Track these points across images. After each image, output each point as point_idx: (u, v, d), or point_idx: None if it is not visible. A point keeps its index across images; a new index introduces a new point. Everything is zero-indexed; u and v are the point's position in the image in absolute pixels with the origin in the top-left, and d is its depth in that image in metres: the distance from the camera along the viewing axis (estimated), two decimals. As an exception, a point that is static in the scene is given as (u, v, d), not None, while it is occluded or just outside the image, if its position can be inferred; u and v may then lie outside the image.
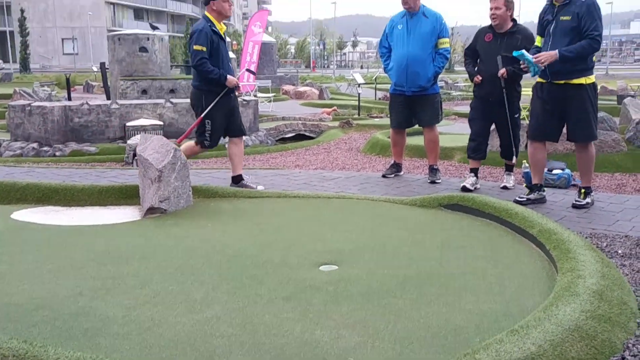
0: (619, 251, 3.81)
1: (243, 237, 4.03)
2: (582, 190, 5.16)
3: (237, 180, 5.79)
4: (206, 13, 5.57)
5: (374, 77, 24.06)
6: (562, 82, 4.87)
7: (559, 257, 3.29)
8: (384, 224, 4.37)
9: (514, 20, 5.64)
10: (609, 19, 66.14)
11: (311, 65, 65.12)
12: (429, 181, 6.19)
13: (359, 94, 15.84)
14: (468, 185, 5.74)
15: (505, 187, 5.90)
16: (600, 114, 7.51)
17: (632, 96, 15.38)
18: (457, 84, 26.31)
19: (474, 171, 5.92)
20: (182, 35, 49.75)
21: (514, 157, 5.91)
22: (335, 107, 14.97)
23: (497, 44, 5.58)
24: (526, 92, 6.06)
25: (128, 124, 9.14)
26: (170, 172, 4.68)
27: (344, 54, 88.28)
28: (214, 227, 4.33)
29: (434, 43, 5.96)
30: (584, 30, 4.72)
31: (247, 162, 7.79)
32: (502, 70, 5.43)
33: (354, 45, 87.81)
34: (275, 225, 4.33)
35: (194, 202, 4.97)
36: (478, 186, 5.88)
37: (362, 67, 68.33)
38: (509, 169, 6.02)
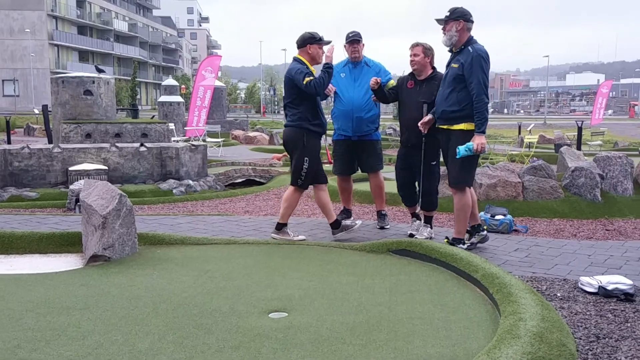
0: (558, 294, 3.95)
1: (190, 285, 3.97)
2: (445, 240, 5.23)
3: (337, 225, 5.61)
4: (298, 55, 5.54)
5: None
6: (445, 127, 5.12)
7: (501, 300, 3.38)
8: (334, 269, 4.40)
9: (433, 67, 5.78)
10: (545, 72, 69.56)
11: (261, 111, 65.49)
12: (378, 227, 6.29)
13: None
14: (413, 232, 5.81)
15: (411, 235, 5.73)
16: (539, 162, 7.84)
17: (568, 145, 16.13)
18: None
19: (415, 216, 6.07)
20: (129, 78, 49.36)
21: (433, 208, 5.88)
22: (285, 153, 15.06)
23: (417, 90, 5.70)
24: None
25: (71, 168, 8.95)
26: (115, 218, 4.59)
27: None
28: (160, 274, 4.25)
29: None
30: (468, 83, 4.94)
31: (194, 208, 7.73)
32: (429, 117, 5.48)
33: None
34: (224, 272, 4.29)
35: (139, 250, 4.88)
36: (422, 229, 5.92)
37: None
38: (427, 220, 5.91)
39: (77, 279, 4.17)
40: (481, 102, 4.91)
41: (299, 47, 5.54)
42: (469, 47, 4.97)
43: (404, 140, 5.89)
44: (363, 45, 6.13)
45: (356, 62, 6.16)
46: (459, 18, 5.00)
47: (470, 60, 4.91)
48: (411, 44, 5.77)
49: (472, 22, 5.06)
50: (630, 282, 3.98)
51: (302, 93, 5.37)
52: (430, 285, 3.97)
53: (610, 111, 60.58)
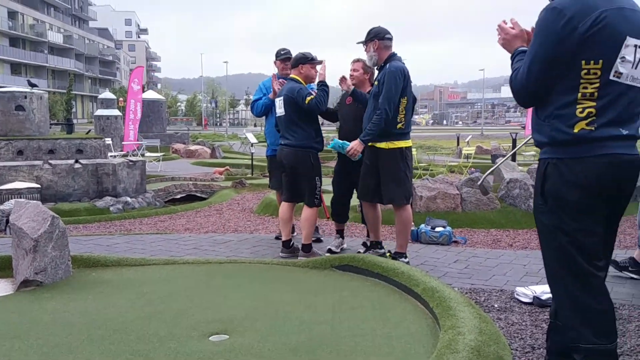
0: (495, 305, 4.04)
1: (127, 309, 3.85)
2: (388, 254, 5.27)
3: (308, 249, 5.52)
4: (293, 75, 5.60)
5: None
6: (370, 144, 5.22)
7: (441, 314, 3.43)
8: (276, 288, 4.36)
9: (372, 84, 5.73)
10: (481, 84, 71.82)
11: (203, 123, 64.79)
12: (313, 239, 6.28)
13: (252, 152, 15.91)
14: (333, 248, 5.85)
15: (330, 251, 5.80)
16: (476, 174, 8.06)
17: (504, 155, 16.66)
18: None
19: (340, 232, 6.05)
20: (64, 91, 47.86)
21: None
22: (227, 167, 14.91)
23: (355, 105, 5.75)
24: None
25: (1, 187, 8.56)
26: (47, 241, 4.41)
27: (237, 112, 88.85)
28: (95, 299, 4.10)
29: None
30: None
31: (132, 227, 7.53)
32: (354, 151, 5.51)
33: (247, 103, 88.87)
34: (163, 295, 4.18)
35: (73, 273, 4.70)
36: (344, 246, 6.02)
37: (255, 125, 68.98)
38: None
39: (7, 306, 3.97)
40: (380, 115, 5.00)
41: (292, 67, 5.67)
42: (387, 65, 5.08)
43: (342, 155, 5.83)
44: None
45: (286, 78, 6.19)
46: (373, 38, 5.13)
47: (384, 77, 5.03)
48: (353, 59, 5.85)
49: (389, 39, 5.16)
50: (563, 291, 4.11)
51: (306, 112, 5.41)
52: (373, 301, 3.98)
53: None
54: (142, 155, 17.65)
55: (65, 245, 4.59)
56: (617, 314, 3.83)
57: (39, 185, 8.72)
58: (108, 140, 15.93)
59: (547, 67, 2.33)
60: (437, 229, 6.38)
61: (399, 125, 5.09)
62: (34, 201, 4.78)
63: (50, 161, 9.21)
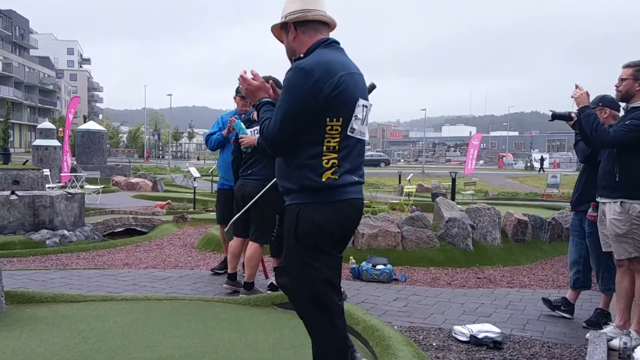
0: (434, 344, 4.14)
1: (62, 348, 3.74)
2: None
3: (250, 287, 5.38)
4: None
5: (211, 170, 24.17)
6: None
7: (380, 353, 3.50)
8: (217, 325, 4.33)
9: None
10: (423, 123, 73.78)
11: (145, 155, 63.68)
12: (243, 274, 6.30)
13: (194, 187, 15.76)
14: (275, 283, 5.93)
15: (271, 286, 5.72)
16: (417, 212, 8.27)
17: (444, 194, 17.11)
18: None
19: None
20: (1, 119, 46.25)
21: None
22: (169, 200, 14.69)
23: None
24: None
25: None
26: (-21, 276, 4.25)
27: (180, 144, 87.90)
28: (28, 336, 3.96)
29: None
30: None
31: (69, 261, 7.32)
32: None
33: (190, 136, 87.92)
34: (99, 332, 4.08)
35: (6, 309, 4.53)
36: None
37: (198, 159, 68.30)
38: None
39: None
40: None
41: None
42: None
43: None
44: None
45: (244, 114, 6.26)
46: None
47: None
48: None
49: None
50: (498, 330, 4.27)
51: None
52: (313, 339, 4.01)
53: (481, 161, 65.08)
54: (82, 187, 17.20)
55: (-2, 280, 4.44)
56: (549, 352, 4.01)
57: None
58: (46, 172, 15.46)
59: (297, 121, 2.59)
60: (378, 267, 6.49)
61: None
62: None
63: (-17, 192, 8.87)
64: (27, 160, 18.96)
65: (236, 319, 4.50)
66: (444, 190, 19.60)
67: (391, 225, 7.84)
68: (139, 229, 10.96)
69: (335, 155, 2.63)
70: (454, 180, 17.54)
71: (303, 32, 2.74)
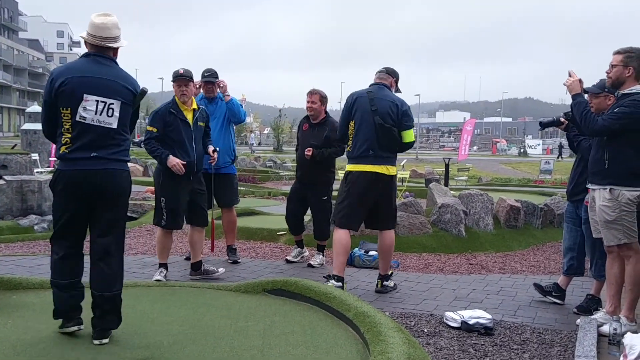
0: (425, 330, 4.13)
1: (49, 334, 3.69)
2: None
3: (196, 267, 5.62)
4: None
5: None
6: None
7: (371, 340, 3.47)
8: (206, 312, 4.29)
9: (326, 112, 6.34)
10: (417, 109, 73.72)
11: (136, 139, 63.28)
12: (230, 261, 6.39)
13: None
14: (290, 258, 6.45)
15: (309, 265, 6.33)
16: (410, 198, 8.25)
17: (437, 180, 17.10)
18: (285, 164, 27.23)
19: (298, 243, 6.55)
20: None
21: (325, 238, 6.42)
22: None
23: (311, 132, 6.27)
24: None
25: None
26: (-35, 262, 4.19)
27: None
28: (15, 323, 3.91)
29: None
30: None
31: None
32: (308, 150, 6.06)
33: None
34: (87, 319, 3.99)
35: (-8, 296, 4.47)
36: (306, 254, 6.53)
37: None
38: (319, 248, 6.47)
39: None
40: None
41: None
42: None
43: (299, 177, 6.43)
44: (218, 83, 6.22)
45: (211, 98, 6.25)
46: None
47: None
48: (309, 91, 6.26)
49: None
50: (489, 316, 4.25)
51: None
52: (305, 326, 3.98)
53: (475, 147, 65.12)
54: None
55: (-16, 267, 4.37)
56: (540, 338, 4.00)
57: None
58: (35, 156, 15.32)
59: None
60: (371, 253, 6.47)
61: (347, 148, 5.34)
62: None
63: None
64: (15, 145, 18.78)
65: (226, 306, 4.46)
66: (438, 176, 19.60)
67: (383, 211, 7.80)
68: (129, 214, 10.87)
69: (69, 135, 3.54)
70: (447, 166, 17.52)
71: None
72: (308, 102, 6.20)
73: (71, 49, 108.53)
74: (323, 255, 6.45)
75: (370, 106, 5.07)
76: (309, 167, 6.17)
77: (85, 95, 3.51)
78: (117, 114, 3.59)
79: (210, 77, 6.17)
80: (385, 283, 5.30)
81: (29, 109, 21.58)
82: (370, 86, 5.29)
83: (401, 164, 22.86)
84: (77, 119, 3.50)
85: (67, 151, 3.53)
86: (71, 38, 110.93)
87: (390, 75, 5.33)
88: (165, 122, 5.24)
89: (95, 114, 3.53)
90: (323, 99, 6.21)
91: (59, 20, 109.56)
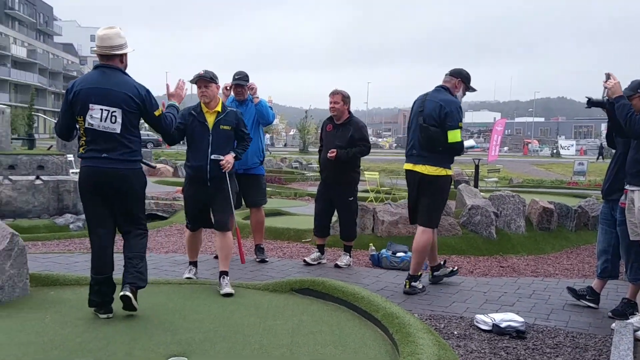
0: (455, 332, 4.10)
1: (85, 329, 3.78)
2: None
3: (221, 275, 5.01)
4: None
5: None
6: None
7: (400, 340, 3.47)
8: (236, 310, 4.34)
9: (350, 112, 6.30)
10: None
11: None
12: (257, 260, 6.46)
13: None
14: (308, 260, 6.34)
15: (336, 265, 6.27)
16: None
17: (467, 181, 16.93)
18: (310, 165, 27.30)
19: (319, 247, 6.48)
20: (27, 105, 46.87)
21: (351, 238, 6.44)
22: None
23: (335, 133, 6.24)
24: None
25: (-43, 202, 8.34)
26: (5, 259, 4.31)
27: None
28: (52, 318, 4.02)
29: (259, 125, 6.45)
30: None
31: (93, 245, 7.39)
32: (332, 152, 6.05)
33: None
34: (122, 314, 4.11)
35: (31, 292, 4.59)
36: (324, 261, 6.44)
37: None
38: (346, 249, 6.46)
39: (-43, 326, 3.86)
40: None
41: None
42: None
43: (324, 178, 6.42)
44: (249, 86, 6.29)
45: (241, 100, 6.36)
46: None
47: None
48: (331, 92, 6.26)
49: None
50: (521, 319, 4.20)
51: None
52: (332, 326, 4.00)
53: (505, 148, 64.26)
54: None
55: (24, 263, 4.50)
56: (574, 342, 3.95)
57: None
58: (70, 157, 15.64)
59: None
60: (399, 254, 6.45)
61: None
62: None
63: (10, 177, 9.01)
64: (51, 146, 19.19)
65: (255, 304, 4.50)
66: (467, 178, 19.40)
67: (413, 212, 7.76)
68: (160, 214, 11.04)
69: (84, 139, 4.05)
70: (477, 167, 17.29)
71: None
72: (330, 102, 6.21)
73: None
74: (350, 256, 6.43)
75: (419, 108, 5.33)
76: (333, 167, 6.17)
77: (90, 105, 3.98)
78: (119, 120, 4.02)
79: (241, 80, 6.24)
80: (413, 284, 5.28)
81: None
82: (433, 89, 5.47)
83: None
84: (86, 125, 4.01)
85: (83, 152, 4.07)
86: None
87: (453, 76, 5.44)
88: (185, 120, 5.04)
89: (101, 120, 3.99)
90: (345, 98, 6.19)
91: (92, 25, 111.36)
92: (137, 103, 4.08)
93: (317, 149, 6.90)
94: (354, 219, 6.41)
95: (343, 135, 6.15)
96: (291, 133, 73.72)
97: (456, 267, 5.90)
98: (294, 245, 7.57)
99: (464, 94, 5.53)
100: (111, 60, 4.09)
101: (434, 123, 5.17)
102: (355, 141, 6.14)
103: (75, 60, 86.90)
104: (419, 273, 5.38)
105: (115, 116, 4.01)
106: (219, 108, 5.07)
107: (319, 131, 6.88)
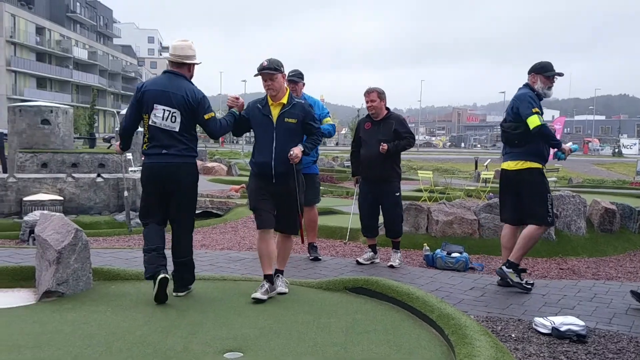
0: (513, 335, 4.01)
1: (145, 323, 3.90)
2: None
3: (274, 275, 4.81)
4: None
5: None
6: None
7: (456, 342, 3.42)
8: (290, 307, 4.38)
9: (387, 108, 6.29)
10: (501, 107, 71.61)
11: (220, 141, 65.19)
12: (311, 258, 6.49)
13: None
14: (361, 260, 6.34)
15: (391, 266, 6.18)
16: (495, 199, 8.02)
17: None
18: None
19: (371, 247, 6.47)
20: (88, 105, 48.58)
21: (400, 235, 6.39)
22: (243, 185, 14.93)
23: (375, 129, 6.22)
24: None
25: (25, 198, 8.72)
26: (70, 253, 4.49)
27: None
28: (114, 311, 4.16)
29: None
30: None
31: (152, 241, 7.61)
32: (383, 145, 6.01)
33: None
34: (179, 310, 4.22)
35: (93, 285, 4.77)
36: (377, 260, 6.42)
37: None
38: (395, 246, 6.40)
39: (29, 316, 4.05)
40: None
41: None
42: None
43: (365, 176, 6.36)
44: (303, 84, 6.31)
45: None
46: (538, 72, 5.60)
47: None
48: (366, 90, 6.28)
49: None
50: (582, 323, 4.08)
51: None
52: (387, 325, 3.98)
53: (564, 147, 62.31)
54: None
55: (87, 258, 4.67)
56: (638, 348, 3.80)
57: (61, 198, 8.86)
58: (129, 155, 16.11)
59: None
60: (453, 255, 6.36)
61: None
62: (59, 214, 4.87)
63: (73, 174, 9.36)
64: (111, 145, 19.82)
65: (309, 302, 4.53)
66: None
67: (467, 212, 7.66)
68: (214, 211, 11.26)
69: (147, 135, 4.53)
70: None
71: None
72: (367, 102, 6.21)
73: (161, 54, 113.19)
74: (399, 253, 6.40)
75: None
76: (379, 164, 6.12)
77: (155, 104, 4.47)
78: (178, 120, 4.49)
79: (295, 77, 6.24)
80: (515, 280, 5.32)
81: (122, 111, 22.69)
82: None
83: (484, 164, 22.27)
84: (150, 122, 4.49)
85: (146, 148, 4.55)
86: (161, 43, 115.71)
87: (529, 73, 5.59)
88: (248, 114, 4.86)
89: (163, 119, 4.47)
90: (381, 95, 6.19)
91: (149, 27, 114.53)
92: (193, 105, 4.52)
93: None
94: (401, 215, 6.43)
95: (386, 130, 6.13)
96: (343, 132, 73.79)
97: (525, 281, 5.46)
98: (347, 244, 7.57)
99: (549, 85, 5.56)
100: (180, 68, 4.60)
101: (510, 119, 5.44)
102: (399, 134, 6.13)
103: (134, 62, 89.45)
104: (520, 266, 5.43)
105: (175, 116, 4.48)
106: (284, 100, 4.74)
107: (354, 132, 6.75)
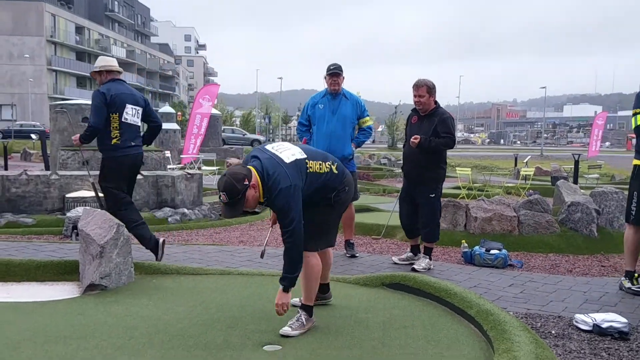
0: (553, 331, 3.96)
1: (185, 316, 3.97)
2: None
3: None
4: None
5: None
6: None
7: (495, 338, 3.40)
8: (327, 302, 4.40)
9: (436, 102, 5.92)
10: (542, 103, 70.22)
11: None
12: (348, 255, 6.44)
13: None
14: (396, 260, 6.20)
15: (413, 269, 5.70)
16: (535, 196, 7.90)
17: (565, 178, 16.22)
18: (399, 161, 27.08)
19: (413, 248, 6.26)
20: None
21: (432, 240, 5.98)
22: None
23: (420, 124, 5.90)
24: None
25: (68, 195, 8.95)
26: (112, 248, 4.61)
27: (289, 127, 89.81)
28: (155, 305, 4.25)
29: (354, 123, 6.40)
30: None
31: (189, 237, 7.73)
32: (415, 138, 5.73)
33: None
34: (219, 304, 4.29)
35: (135, 279, 4.88)
36: (416, 259, 6.10)
37: (305, 142, 69.18)
38: (426, 251, 5.99)
39: (74, 308, 4.17)
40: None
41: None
42: None
43: (405, 173, 6.14)
44: (343, 78, 6.28)
45: (335, 94, 6.30)
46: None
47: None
48: (415, 83, 5.87)
49: None
50: (624, 320, 4.00)
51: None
52: (424, 321, 3.97)
53: (607, 143, 60.96)
54: (199, 168, 18.07)
55: (129, 252, 4.78)
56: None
57: (103, 195, 9.04)
58: (167, 153, 16.39)
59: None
60: (492, 252, 6.28)
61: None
62: (101, 209, 5.00)
63: (114, 171, 9.56)
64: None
65: (346, 297, 4.55)
66: (565, 174, 18.58)
67: (507, 209, 7.55)
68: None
69: (118, 131, 5.62)
70: (576, 163, 16.47)
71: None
72: (415, 96, 5.83)
73: (197, 52, 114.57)
74: (430, 259, 5.95)
75: None
76: (417, 161, 5.86)
77: (126, 104, 5.66)
78: (140, 116, 5.85)
79: (336, 70, 6.24)
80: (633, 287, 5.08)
81: (160, 110, 23.12)
82: None
83: (524, 161, 21.90)
84: (122, 120, 5.64)
85: (119, 142, 5.64)
86: (197, 41, 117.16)
87: None
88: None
89: (132, 117, 5.72)
90: (431, 89, 5.80)
91: (186, 25, 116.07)
92: (145, 103, 5.97)
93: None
94: (436, 219, 6.01)
95: (428, 127, 5.79)
96: (379, 129, 73.45)
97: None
98: (384, 241, 7.56)
99: None
100: (118, 76, 5.84)
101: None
102: (438, 134, 5.77)
103: (171, 60, 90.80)
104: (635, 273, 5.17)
105: (139, 113, 5.84)
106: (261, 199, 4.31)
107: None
